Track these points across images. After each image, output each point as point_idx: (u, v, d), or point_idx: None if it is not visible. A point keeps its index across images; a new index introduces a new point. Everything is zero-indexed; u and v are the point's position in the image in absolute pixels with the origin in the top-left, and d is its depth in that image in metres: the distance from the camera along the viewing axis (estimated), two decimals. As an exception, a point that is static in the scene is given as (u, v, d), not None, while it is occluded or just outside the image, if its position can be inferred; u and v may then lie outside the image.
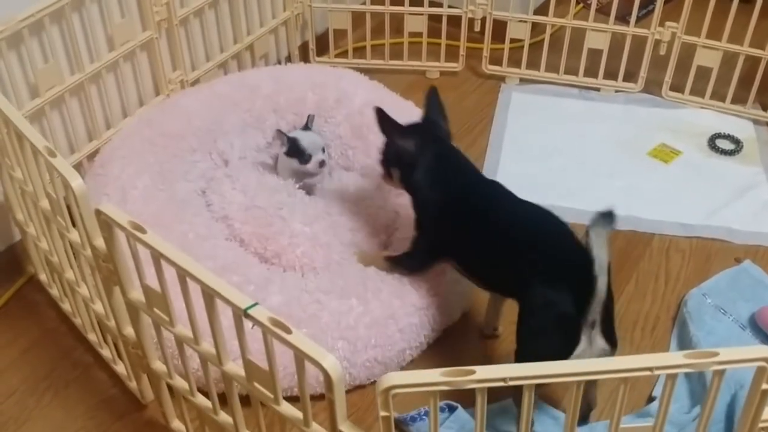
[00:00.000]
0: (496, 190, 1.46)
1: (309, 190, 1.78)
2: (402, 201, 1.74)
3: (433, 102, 1.55)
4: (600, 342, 1.24)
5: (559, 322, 1.24)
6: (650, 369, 0.86)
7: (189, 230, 1.59)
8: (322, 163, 1.76)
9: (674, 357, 0.87)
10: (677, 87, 2.15)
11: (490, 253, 1.38)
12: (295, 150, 1.75)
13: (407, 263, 1.52)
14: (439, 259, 1.49)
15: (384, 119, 1.48)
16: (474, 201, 1.44)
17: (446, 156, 1.50)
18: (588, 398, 1.37)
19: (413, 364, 1.50)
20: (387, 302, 1.49)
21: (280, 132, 1.78)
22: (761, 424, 0.93)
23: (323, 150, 1.78)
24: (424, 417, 1.35)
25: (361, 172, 1.84)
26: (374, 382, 1.45)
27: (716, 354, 0.86)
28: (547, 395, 1.43)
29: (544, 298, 1.26)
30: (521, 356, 1.30)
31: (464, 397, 1.35)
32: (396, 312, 1.48)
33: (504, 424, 1.36)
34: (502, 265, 1.36)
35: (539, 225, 1.37)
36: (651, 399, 1.43)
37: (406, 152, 1.47)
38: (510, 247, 1.35)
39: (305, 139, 1.76)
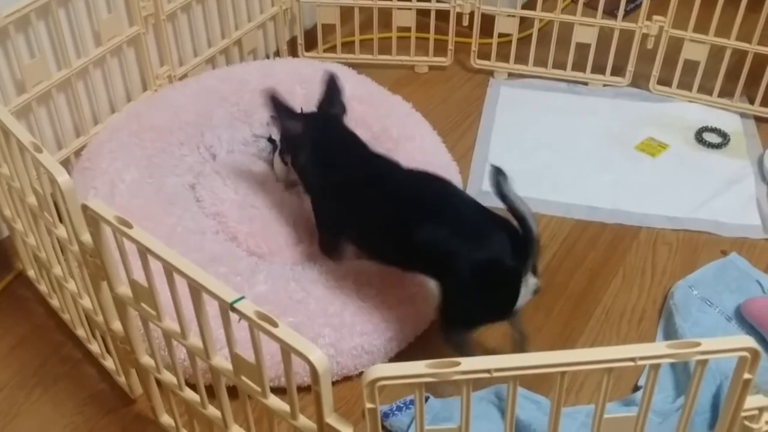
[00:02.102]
0: (388, 166, 1.51)
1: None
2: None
3: (330, 87, 1.61)
4: (531, 279, 1.30)
5: (506, 278, 1.29)
6: (633, 359, 0.87)
7: (177, 224, 1.59)
8: None
9: (657, 347, 0.87)
10: (665, 81, 2.16)
11: (393, 230, 1.41)
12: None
13: (319, 247, 1.58)
14: (340, 240, 1.55)
15: (276, 101, 1.56)
16: (366, 179, 1.48)
17: (333, 139, 1.56)
18: (517, 328, 1.44)
19: (400, 356, 1.51)
20: (373, 292, 1.51)
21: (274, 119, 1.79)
22: (743, 413, 0.94)
23: None
24: (396, 412, 1.36)
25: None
26: (362, 373, 1.46)
27: (698, 344, 0.87)
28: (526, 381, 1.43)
29: (481, 260, 1.30)
30: (457, 319, 1.35)
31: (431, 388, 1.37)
32: (382, 302, 1.50)
33: (481, 411, 1.37)
34: (407, 239, 1.38)
35: (446, 194, 1.43)
36: (637, 388, 1.44)
37: (292, 133, 1.56)
38: (419, 219, 1.38)
39: None
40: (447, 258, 1.32)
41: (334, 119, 1.59)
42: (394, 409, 1.37)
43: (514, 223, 1.28)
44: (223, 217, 1.68)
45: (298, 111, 1.57)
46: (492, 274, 1.30)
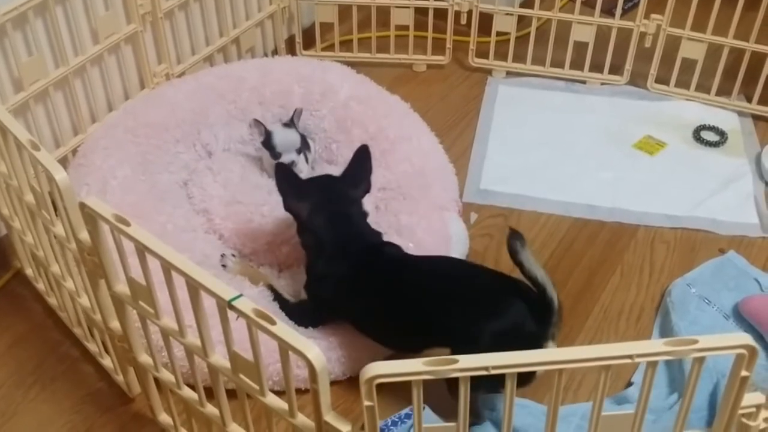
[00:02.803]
0: (392, 251, 1.46)
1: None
2: (383, 196, 1.74)
3: (360, 159, 1.51)
4: (552, 346, 1.29)
5: (526, 344, 1.27)
6: (630, 357, 0.87)
7: (167, 222, 1.59)
8: (290, 164, 1.72)
9: (654, 344, 0.87)
10: (662, 79, 2.16)
11: (406, 312, 1.37)
12: (267, 143, 1.75)
13: (296, 318, 1.47)
14: (332, 320, 1.49)
15: (283, 177, 1.45)
16: (373, 266, 1.42)
17: (339, 227, 1.45)
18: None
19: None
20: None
21: (257, 122, 1.77)
22: (741, 411, 0.94)
23: (299, 151, 1.76)
24: (391, 427, 1.35)
25: (344, 166, 1.83)
26: (350, 378, 1.46)
27: (696, 341, 0.87)
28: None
29: (501, 329, 1.27)
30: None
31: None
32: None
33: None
34: (423, 318, 1.35)
35: (456, 271, 1.41)
36: (628, 384, 1.44)
37: (297, 215, 1.47)
38: (436, 297, 1.34)
39: (279, 136, 1.75)
40: (467, 330, 1.29)
41: (348, 206, 1.48)
42: (390, 424, 1.36)
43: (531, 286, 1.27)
44: (210, 214, 1.68)
45: (304, 184, 1.49)
46: (513, 342, 1.28)
